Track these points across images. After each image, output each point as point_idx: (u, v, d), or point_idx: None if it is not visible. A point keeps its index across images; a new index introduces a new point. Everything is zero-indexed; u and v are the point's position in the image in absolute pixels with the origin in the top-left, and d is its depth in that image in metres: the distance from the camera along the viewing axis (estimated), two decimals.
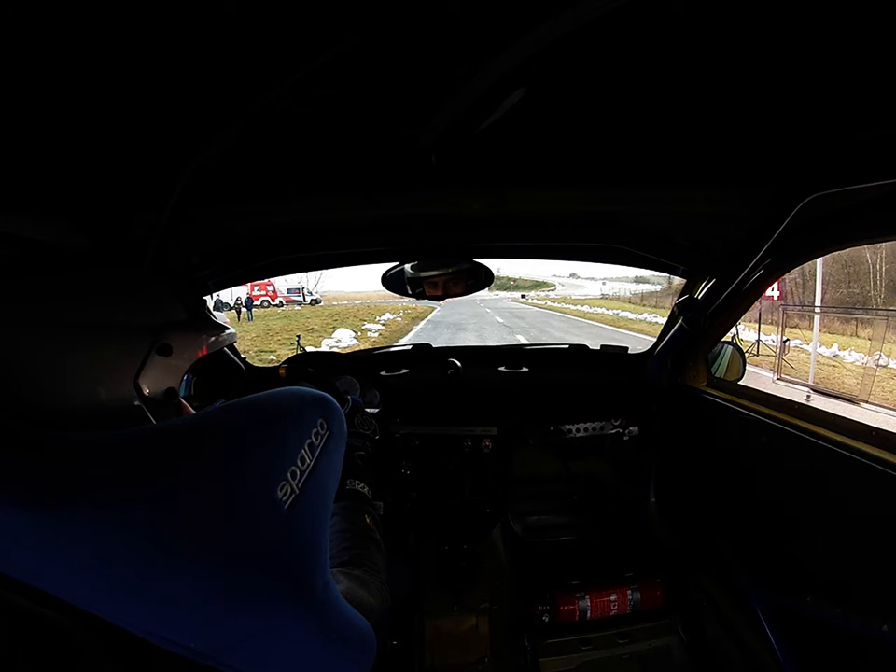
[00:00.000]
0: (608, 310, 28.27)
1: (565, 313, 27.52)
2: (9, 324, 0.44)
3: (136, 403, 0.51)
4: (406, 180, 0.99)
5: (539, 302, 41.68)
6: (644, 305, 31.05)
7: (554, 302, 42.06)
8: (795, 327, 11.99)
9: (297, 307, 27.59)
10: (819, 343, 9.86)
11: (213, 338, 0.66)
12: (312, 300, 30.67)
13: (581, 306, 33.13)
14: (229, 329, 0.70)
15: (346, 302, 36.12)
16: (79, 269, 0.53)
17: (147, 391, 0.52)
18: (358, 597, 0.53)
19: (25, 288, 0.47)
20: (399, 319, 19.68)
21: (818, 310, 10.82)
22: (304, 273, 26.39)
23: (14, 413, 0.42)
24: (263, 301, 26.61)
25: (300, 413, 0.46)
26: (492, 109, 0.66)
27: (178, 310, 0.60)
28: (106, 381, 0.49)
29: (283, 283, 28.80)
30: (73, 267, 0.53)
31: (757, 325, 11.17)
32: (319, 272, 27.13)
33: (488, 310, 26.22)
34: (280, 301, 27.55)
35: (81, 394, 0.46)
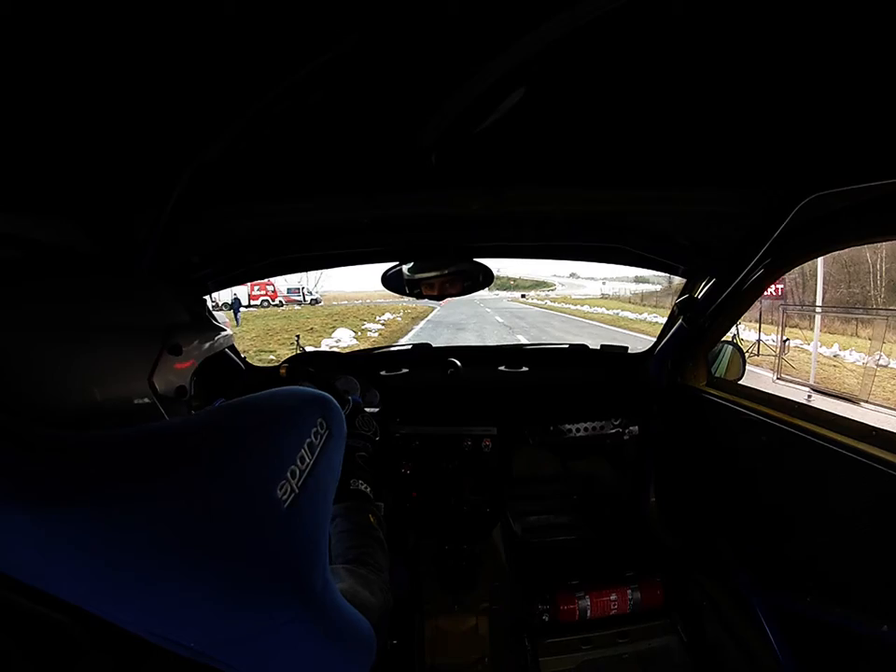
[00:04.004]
0: (608, 310, 28.16)
1: (565, 312, 27.39)
2: (19, 328, 0.44)
3: (150, 402, 0.52)
4: (406, 180, 0.99)
5: (539, 302, 41.49)
6: (644, 305, 30.98)
7: (555, 302, 41.88)
8: (795, 326, 11.96)
9: (297, 307, 27.47)
10: (819, 344, 9.82)
11: (217, 339, 0.66)
12: (312, 299, 30.43)
13: (582, 306, 32.93)
14: (227, 330, 0.70)
15: (346, 302, 36.05)
16: (83, 272, 0.54)
17: (159, 390, 0.53)
18: (360, 597, 0.53)
19: (33, 291, 0.47)
20: (399, 319, 19.62)
21: (818, 310, 10.81)
22: (304, 273, 26.33)
23: (15, 412, 0.42)
24: (263, 300, 26.47)
25: (299, 413, 0.47)
26: (492, 109, 0.66)
27: (182, 312, 0.61)
28: (122, 380, 0.49)
29: (283, 283, 28.73)
30: (76, 270, 0.53)
31: (757, 325, 11.15)
32: (319, 271, 27.11)
33: (488, 310, 26.09)
34: (280, 301, 27.40)
35: (94, 394, 0.46)
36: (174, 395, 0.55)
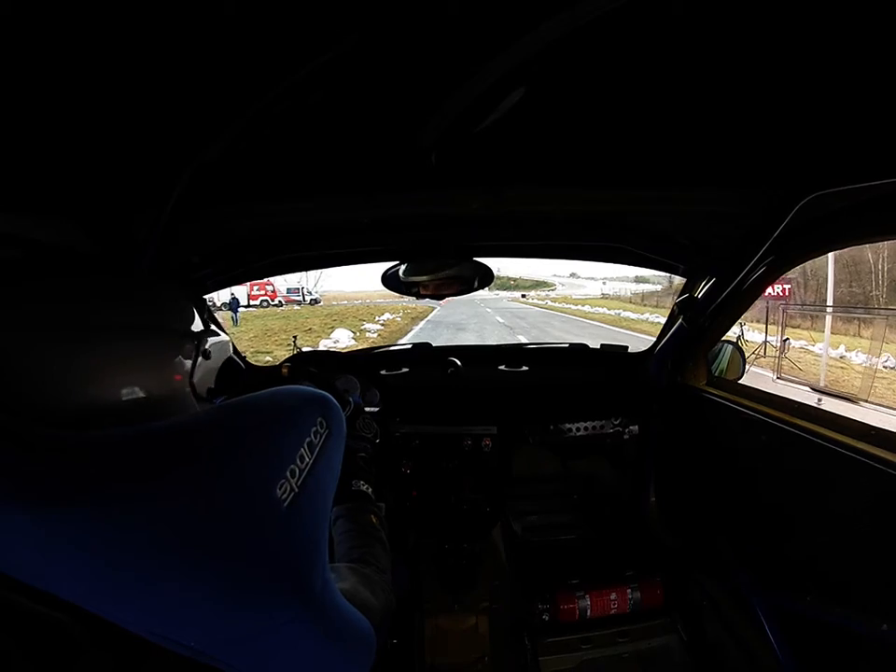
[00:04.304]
0: (609, 310, 27.86)
1: (566, 313, 27.02)
2: (26, 327, 0.43)
3: (179, 400, 0.54)
4: (406, 180, 0.99)
5: (540, 302, 41.11)
6: (645, 305, 30.70)
7: (555, 302, 41.38)
8: (798, 327, 11.78)
9: (296, 307, 27.35)
10: (826, 344, 9.60)
11: (227, 344, 0.68)
12: (311, 299, 30.23)
13: (583, 306, 32.45)
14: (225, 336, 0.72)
15: (346, 302, 35.88)
16: (100, 272, 0.54)
17: (198, 391, 0.56)
18: (361, 597, 0.54)
19: (41, 291, 0.47)
20: (399, 319, 19.58)
21: (829, 310, 10.62)
22: (304, 273, 26.21)
23: (15, 413, 0.42)
24: (263, 300, 26.40)
25: (299, 412, 0.47)
26: (491, 109, 0.66)
27: (199, 318, 0.62)
28: (165, 380, 0.51)
29: (282, 283, 28.62)
30: (91, 271, 0.53)
31: (764, 325, 10.98)
32: (319, 271, 26.93)
33: (488, 310, 25.84)
34: (279, 301, 27.27)
35: (134, 391, 0.47)
36: (206, 395, 0.58)
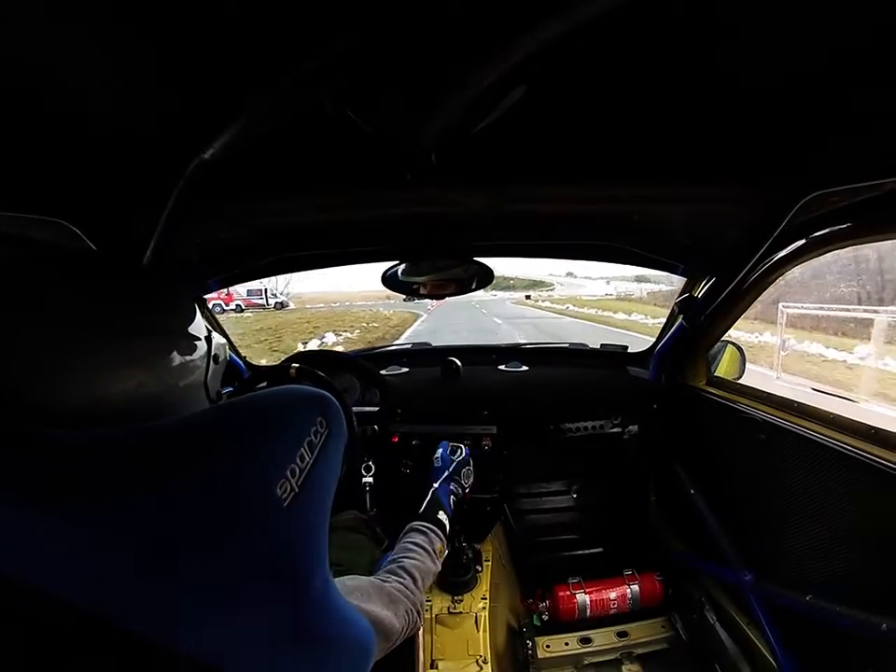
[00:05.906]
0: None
1: (597, 322, 18.50)
2: (62, 327, 0.42)
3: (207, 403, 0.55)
4: (405, 179, 0.99)
5: (558, 306, 31.37)
6: (665, 308, 27.62)
7: (577, 306, 30.79)
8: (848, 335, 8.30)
9: (248, 313, 22.59)
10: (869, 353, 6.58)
11: (226, 344, 0.68)
12: (276, 303, 26.13)
13: (615, 313, 22.42)
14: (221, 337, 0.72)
15: (322, 306, 31.74)
16: (114, 275, 0.54)
17: (211, 395, 0.56)
18: (383, 620, 0.57)
19: (78, 290, 0.46)
20: (354, 337, 13.98)
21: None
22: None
23: (18, 412, 0.42)
24: (216, 304, 21.49)
25: (299, 412, 0.47)
26: (492, 108, 0.66)
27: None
28: (183, 382, 0.50)
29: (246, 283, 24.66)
30: (104, 273, 0.53)
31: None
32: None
33: (497, 320, 18.51)
34: (238, 306, 23.11)
35: (148, 393, 0.46)
36: (216, 398, 0.58)
